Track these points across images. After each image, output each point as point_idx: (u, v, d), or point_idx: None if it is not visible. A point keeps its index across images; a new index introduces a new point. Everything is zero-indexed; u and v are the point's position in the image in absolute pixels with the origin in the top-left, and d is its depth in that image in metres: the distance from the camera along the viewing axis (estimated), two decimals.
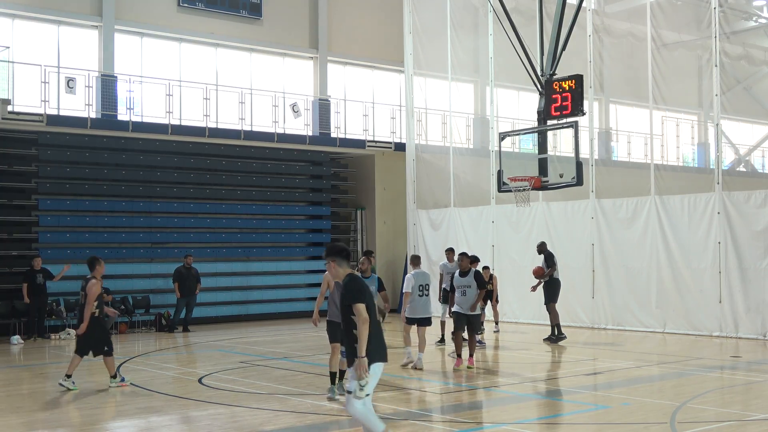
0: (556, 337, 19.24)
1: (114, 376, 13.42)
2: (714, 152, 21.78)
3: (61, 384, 13.21)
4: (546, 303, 19.64)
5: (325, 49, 28.85)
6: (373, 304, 7.94)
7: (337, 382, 11.97)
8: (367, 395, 7.70)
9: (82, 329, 13.03)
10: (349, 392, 7.68)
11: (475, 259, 20.08)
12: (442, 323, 18.70)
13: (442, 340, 18.52)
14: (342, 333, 8.07)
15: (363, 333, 7.66)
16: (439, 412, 11.32)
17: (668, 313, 20.82)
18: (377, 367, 7.81)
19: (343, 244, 8.42)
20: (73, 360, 13.31)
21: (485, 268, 19.21)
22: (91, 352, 13.28)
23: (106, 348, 13.26)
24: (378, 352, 7.82)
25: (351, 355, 7.80)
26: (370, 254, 16.66)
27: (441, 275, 18.71)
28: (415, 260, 16.48)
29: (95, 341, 13.21)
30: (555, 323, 19.38)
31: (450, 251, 19.24)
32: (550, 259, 19.72)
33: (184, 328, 22.82)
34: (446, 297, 18.05)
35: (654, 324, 21.07)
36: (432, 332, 17.36)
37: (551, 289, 19.65)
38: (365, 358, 7.60)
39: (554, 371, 14.96)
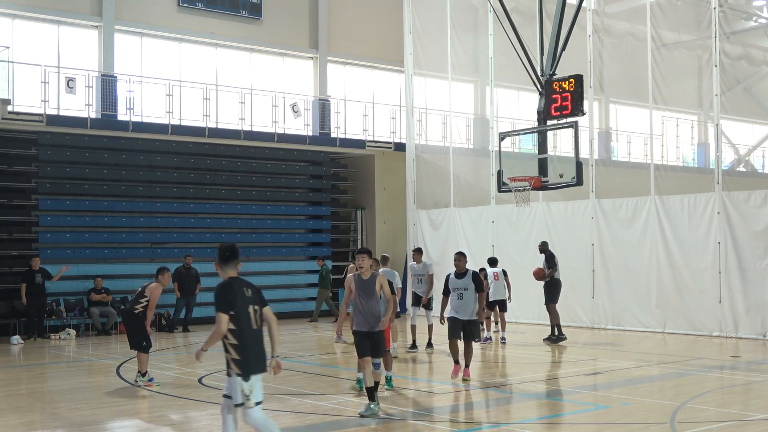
0: (556, 337, 19.24)
1: (144, 374, 13.62)
2: (714, 152, 21.79)
3: (137, 383, 13.56)
4: (546, 303, 19.60)
5: (324, 49, 28.86)
6: (248, 314, 7.75)
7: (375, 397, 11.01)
8: (258, 403, 7.69)
9: (148, 326, 13.52)
10: (239, 405, 7.61)
11: (493, 262, 20.17)
12: (413, 327, 18.05)
13: (413, 346, 17.63)
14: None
15: (211, 340, 7.77)
16: (439, 413, 11.32)
17: (668, 313, 20.83)
18: (257, 378, 7.75)
19: (231, 244, 8.02)
20: (139, 357, 13.70)
21: (481, 270, 18.68)
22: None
23: (144, 344, 13.57)
24: (258, 363, 7.83)
25: (260, 363, 7.84)
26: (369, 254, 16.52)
27: (411, 277, 18.31)
28: (384, 260, 16.63)
29: (138, 336, 13.60)
30: (555, 323, 19.35)
31: (417, 251, 18.87)
32: (551, 260, 19.67)
33: (184, 328, 22.83)
34: (417, 300, 17.90)
35: (654, 324, 21.08)
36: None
37: (552, 289, 19.61)
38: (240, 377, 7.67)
39: (554, 371, 14.96)
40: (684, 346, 18.27)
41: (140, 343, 13.54)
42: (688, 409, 11.37)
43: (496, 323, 20.42)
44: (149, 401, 12.47)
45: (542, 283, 19.73)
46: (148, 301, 13.54)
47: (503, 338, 19.32)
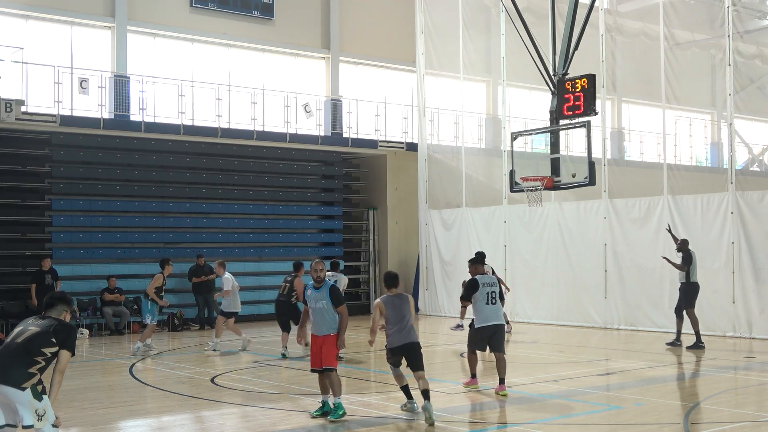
0: (697, 344, 17.95)
1: (284, 347, 17.14)
2: (727, 152, 21.69)
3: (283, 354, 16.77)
4: (684, 308, 18.25)
5: (337, 49, 28.87)
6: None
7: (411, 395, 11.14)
8: (54, 426, 7.50)
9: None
10: (28, 426, 7.40)
11: (483, 258, 20.05)
12: None
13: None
14: None
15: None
16: (450, 413, 11.30)
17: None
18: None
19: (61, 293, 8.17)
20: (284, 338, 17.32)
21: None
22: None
23: (291, 322, 17.19)
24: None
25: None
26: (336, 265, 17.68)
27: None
28: (335, 265, 18.26)
29: (294, 319, 16.78)
30: (696, 329, 18.02)
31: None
32: (689, 260, 18.17)
33: (201, 326, 22.97)
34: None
35: (667, 324, 20.93)
36: None
37: (689, 292, 18.12)
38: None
39: (566, 372, 14.92)
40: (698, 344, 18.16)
41: (287, 325, 17.36)
42: (701, 409, 11.34)
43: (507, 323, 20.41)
44: (162, 401, 12.51)
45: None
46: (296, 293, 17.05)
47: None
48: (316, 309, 10.86)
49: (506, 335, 19.83)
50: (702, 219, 20.59)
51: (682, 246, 18.40)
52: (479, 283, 12.69)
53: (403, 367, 11.08)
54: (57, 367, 7.59)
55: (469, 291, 12.65)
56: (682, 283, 18.20)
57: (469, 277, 13.28)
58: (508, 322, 20.49)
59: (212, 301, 23.22)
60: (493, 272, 19.97)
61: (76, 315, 21.34)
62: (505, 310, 23.61)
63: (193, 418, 11.41)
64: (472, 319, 12.91)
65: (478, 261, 13.34)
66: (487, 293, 12.65)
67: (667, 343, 18.28)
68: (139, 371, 15.40)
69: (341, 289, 17.23)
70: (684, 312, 18.13)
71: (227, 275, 18.14)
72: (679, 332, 18.26)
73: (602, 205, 22.60)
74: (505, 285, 20.56)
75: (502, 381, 12.55)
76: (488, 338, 12.69)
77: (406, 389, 11.15)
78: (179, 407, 11.99)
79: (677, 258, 18.42)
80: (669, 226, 19.63)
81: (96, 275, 23.02)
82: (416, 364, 10.93)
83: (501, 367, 12.59)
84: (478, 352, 13.09)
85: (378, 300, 11.16)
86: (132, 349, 17.78)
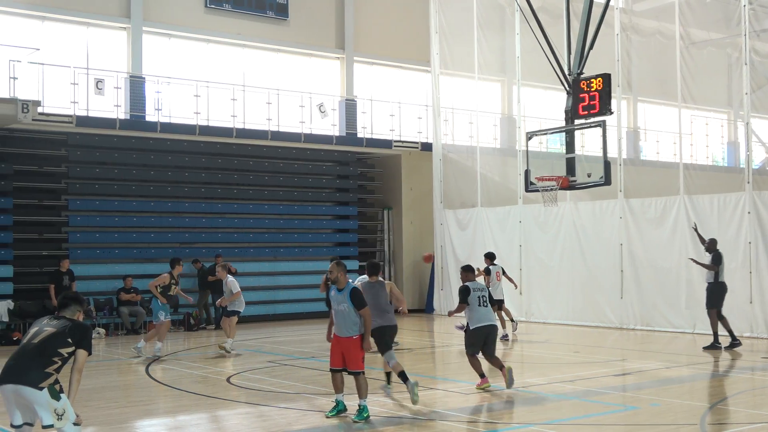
0: (714, 344, 17.76)
1: None
2: (744, 151, 21.57)
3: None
4: (707, 308, 18.05)
5: (351, 49, 28.88)
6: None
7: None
8: (75, 425, 7.53)
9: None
10: (47, 427, 7.41)
11: (493, 257, 20.22)
12: None
13: None
14: None
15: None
16: (466, 413, 11.29)
17: (698, 314, 20.52)
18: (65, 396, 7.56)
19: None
20: None
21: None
22: None
23: None
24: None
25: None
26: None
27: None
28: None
29: None
30: (715, 330, 17.86)
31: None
32: (717, 260, 17.87)
33: (217, 326, 23.10)
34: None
35: (683, 324, 20.90)
36: None
37: (716, 292, 17.87)
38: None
39: (582, 372, 14.87)
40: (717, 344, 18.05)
41: None
42: (718, 410, 11.28)
43: (512, 320, 20.41)
44: (178, 400, 12.55)
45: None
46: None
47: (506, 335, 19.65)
48: (338, 311, 10.85)
49: (512, 335, 19.96)
50: (718, 219, 20.47)
51: (711, 246, 18.09)
52: (470, 288, 13.32)
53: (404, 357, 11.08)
54: (75, 366, 7.63)
55: (465, 294, 13.29)
56: (709, 283, 17.90)
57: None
58: (513, 320, 20.48)
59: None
60: (504, 272, 20.08)
61: (92, 315, 21.44)
62: (519, 310, 23.92)
63: (208, 417, 11.45)
64: (467, 324, 13.34)
65: (469, 270, 13.94)
66: (478, 297, 13.28)
67: (726, 348, 17.71)
68: (155, 371, 15.45)
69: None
70: (713, 311, 17.85)
71: (231, 278, 18.19)
72: (726, 333, 17.84)
73: (618, 205, 22.52)
74: (513, 282, 20.62)
75: (482, 376, 13.08)
76: (484, 338, 13.13)
77: (402, 375, 11.68)
78: (195, 407, 12.03)
79: (704, 258, 18.29)
80: (695, 225, 19.35)
81: (112, 275, 23.13)
82: (385, 346, 12.03)
83: (497, 365, 13.16)
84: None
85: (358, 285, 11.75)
86: (145, 353, 17.43)
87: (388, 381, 12.92)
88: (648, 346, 19.05)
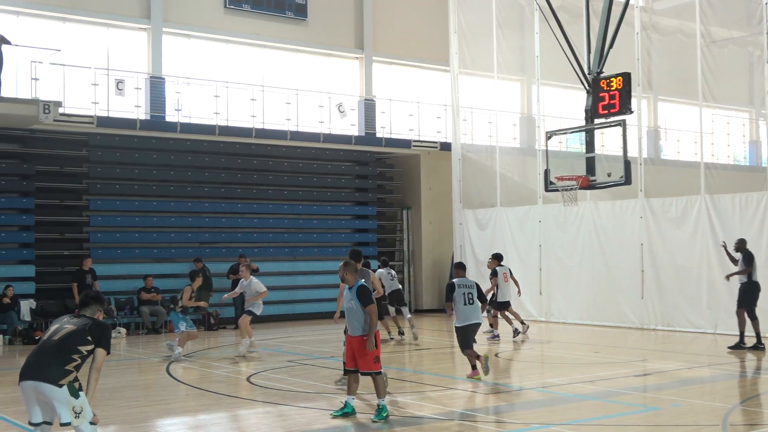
0: (739, 344, 17.66)
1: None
2: (766, 150, 21.48)
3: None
4: (738, 307, 17.79)
5: (370, 48, 28.90)
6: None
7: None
8: (92, 424, 7.54)
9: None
10: (65, 424, 7.42)
11: (501, 258, 20.35)
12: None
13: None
14: None
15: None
16: (485, 413, 11.27)
17: (719, 314, 20.44)
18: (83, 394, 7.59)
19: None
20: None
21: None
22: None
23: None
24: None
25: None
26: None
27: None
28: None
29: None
30: (742, 330, 17.66)
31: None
32: (749, 260, 17.54)
33: (236, 326, 23.14)
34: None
35: (705, 325, 20.75)
36: None
37: (749, 291, 17.59)
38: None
39: (603, 372, 14.80)
40: (741, 344, 17.91)
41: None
42: (740, 411, 11.20)
43: (522, 322, 20.44)
44: (198, 399, 12.60)
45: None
46: None
47: (516, 330, 19.93)
48: (348, 308, 10.83)
49: (521, 335, 19.87)
50: (740, 218, 20.33)
51: (741, 246, 17.80)
52: (456, 285, 13.83)
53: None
54: (93, 365, 7.68)
55: (449, 292, 13.84)
56: (742, 283, 17.64)
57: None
58: (523, 322, 20.34)
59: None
60: (511, 274, 20.07)
61: (113, 314, 21.56)
62: (538, 310, 23.85)
63: (229, 416, 11.48)
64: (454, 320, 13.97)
65: (459, 267, 14.58)
66: (464, 294, 13.75)
67: (729, 347, 17.62)
68: (176, 370, 15.52)
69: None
70: (742, 311, 17.65)
71: (255, 278, 18.18)
72: (747, 333, 17.68)
73: (638, 205, 22.41)
74: (518, 287, 20.45)
75: (474, 368, 13.73)
76: (471, 334, 13.85)
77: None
78: (215, 406, 12.07)
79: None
80: (724, 244, 18.78)
81: (133, 275, 23.24)
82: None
83: (473, 358, 13.87)
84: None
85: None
86: (172, 353, 17.40)
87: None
88: (669, 346, 18.95)
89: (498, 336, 19.57)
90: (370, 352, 10.67)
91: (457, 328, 13.89)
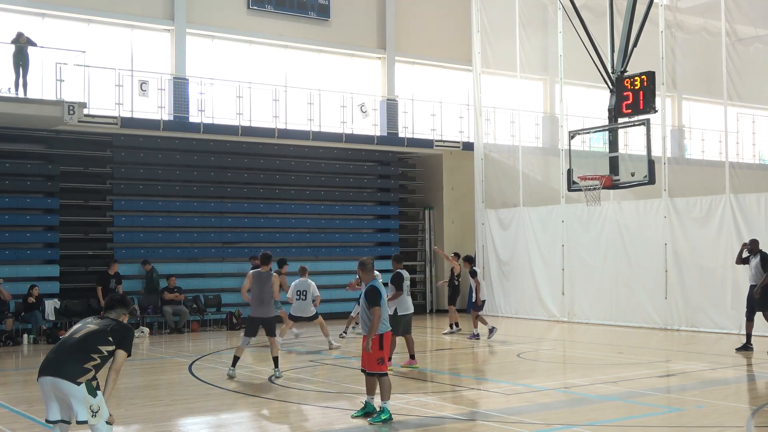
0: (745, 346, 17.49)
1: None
2: None
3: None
4: (760, 310, 17.52)
5: (392, 49, 28.89)
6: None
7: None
8: (108, 424, 7.55)
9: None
10: (82, 422, 7.45)
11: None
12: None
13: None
14: None
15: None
16: (507, 413, 11.23)
17: (744, 315, 20.22)
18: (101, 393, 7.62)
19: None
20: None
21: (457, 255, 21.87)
22: None
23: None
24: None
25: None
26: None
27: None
28: (302, 270, 19.47)
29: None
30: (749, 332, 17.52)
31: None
32: (766, 261, 17.15)
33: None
34: None
35: (729, 325, 20.57)
36: None
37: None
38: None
39: (626, 373, 14.72)
40: (761, 348, 17.75)
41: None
42: (765, 412, 11.09)
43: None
44: (220, 399, 12.64)
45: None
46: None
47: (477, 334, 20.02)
48: (362, 308, 10.90)
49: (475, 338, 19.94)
50: (765, 218, 20.14)
51: (754, 247, 17.39)
52: (403, 276, 14.97)
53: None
54: (113, 366, 7.73)
55: (400, 281, 14.87)
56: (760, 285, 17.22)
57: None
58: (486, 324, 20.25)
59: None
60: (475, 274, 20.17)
61: (136, 313, 21.68)
62: (561, 310, 23.75)
63: (251, 416, 11.51)
64: (396, 308, 14.76)
65: (397, 259, 15.60)
66: (407, 285, 15.04)
67: (737, 349, 17.55)
68: (198, 369, 15.58)
69: (317, 295, 18.97)
70: (755, 314, 17.43)
71: (311, 281, 18.98)
72: (740, 332, 17.82)
73: (662, 204, 22.26)
74: (479, 288, 20.11)
75: (412, 356, 15.11)
76: (408, 323, 15.11)
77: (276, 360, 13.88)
78: (237, 405, 12.10)
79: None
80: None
81: (163, 275, 23.33)
82: (268, 331, 14.22)
83: (411, 345, 15.20)
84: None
85: (249, 272, 14.31)
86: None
87: (234, 364, 14.30)
88: (693, 347, 18.80)
89: (478, 335, 19.68)
90: (374, 353, 10.63)
91: (399, 316, 14.80)
